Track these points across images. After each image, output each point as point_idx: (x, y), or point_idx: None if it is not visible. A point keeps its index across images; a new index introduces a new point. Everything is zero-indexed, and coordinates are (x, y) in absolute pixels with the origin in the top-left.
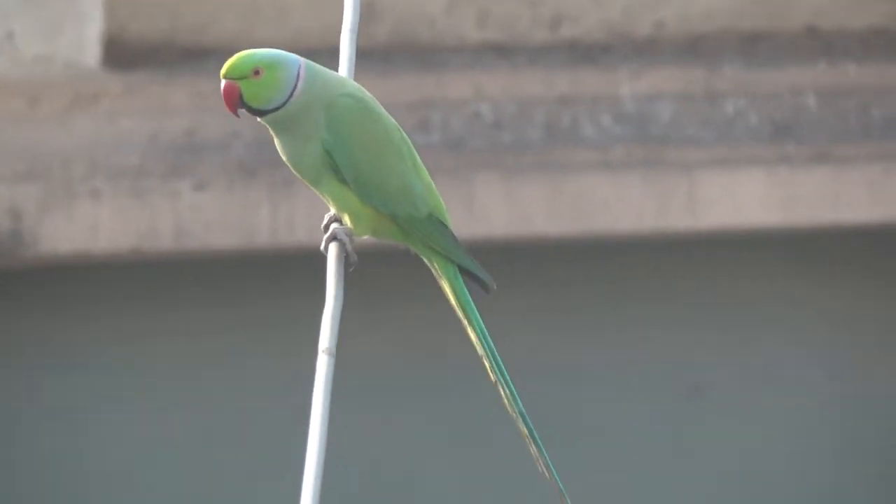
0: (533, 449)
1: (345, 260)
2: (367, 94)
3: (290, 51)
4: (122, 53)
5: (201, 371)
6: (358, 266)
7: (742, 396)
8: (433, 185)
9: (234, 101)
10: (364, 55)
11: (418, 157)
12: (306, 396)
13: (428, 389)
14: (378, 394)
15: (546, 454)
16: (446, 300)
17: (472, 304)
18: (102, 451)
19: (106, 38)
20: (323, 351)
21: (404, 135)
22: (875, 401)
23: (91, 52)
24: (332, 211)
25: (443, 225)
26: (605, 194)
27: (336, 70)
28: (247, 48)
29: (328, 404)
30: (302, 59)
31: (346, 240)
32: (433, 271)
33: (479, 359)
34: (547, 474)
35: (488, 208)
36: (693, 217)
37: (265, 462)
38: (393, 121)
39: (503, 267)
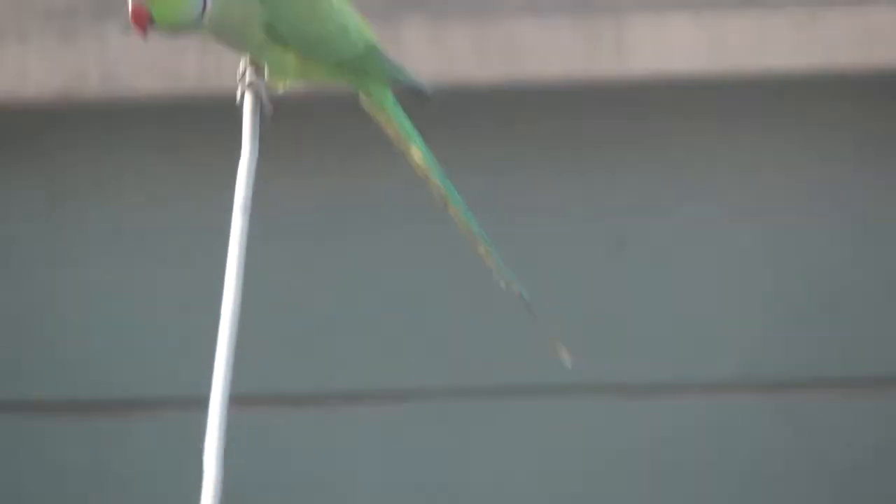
0: (494, 266)
1: (260, 111)
2: None
3: None
4: None
5: (128, 218)
6: (274, 116)
7: (667, 249)
8: (354, 11)
9: (144, 22)
10: None
11: None
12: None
13: (357, 230)
14: (305, 241)
15: (504, 267)
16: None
17: (411, 123)
18: (31, 302)
19: None
20: (238, 206)
21: None
22: (801, 248)
23: None
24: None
25: (376, 49)
26: (533, 39)
27: None
28: None
29: (243, 259)
30: None
31: (262, 91)
32: (365, 101)
33: (422, 183)
34: (512, 289)
35: (415, 52)
36: (621, 62)
37: (185, 318)
38: None
39: (430, 112)
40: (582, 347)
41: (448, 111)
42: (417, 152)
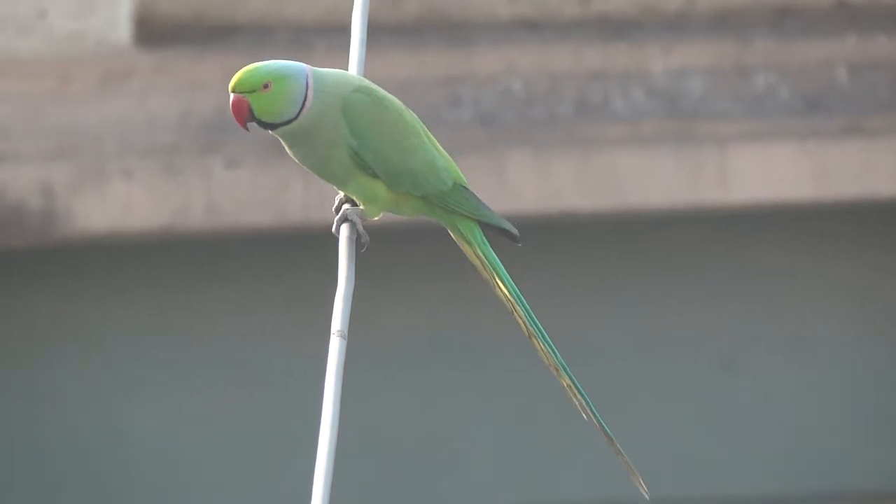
0: (576, 399)
1: (357, 241)
2: (370, 83)
3: (320, 28)
4: (152, 31)
5: (231, 348)
6: (371, 246)
7: (772, 369)
8: (444, 152)
9: (244, 115)
10: (394, 31)
11: (426, 129)
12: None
13: (450, 363)
14: (401, 370)
15: (589, 400)
16: (462, 274)
17: (497, 259)
18: (132, 426)
19: (137, 15)
20: (335, 333)
21: (411, 112)
22: None
23: (122, 29)
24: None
25: (465, 188)
26: (636, 169)
27: (348, 48)
28: (276, 24)
29: (340, 385)
30: (308, 68)
31: (357, 220)
32: (455, 236)
33: (507, 318)
34: (593, 422)
35: (519, 184)
36: (724, 191)
37: (282, 441)
38: (398, 101)
39: (535, 242)
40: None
41: (552, 241)
42: (503, 287)
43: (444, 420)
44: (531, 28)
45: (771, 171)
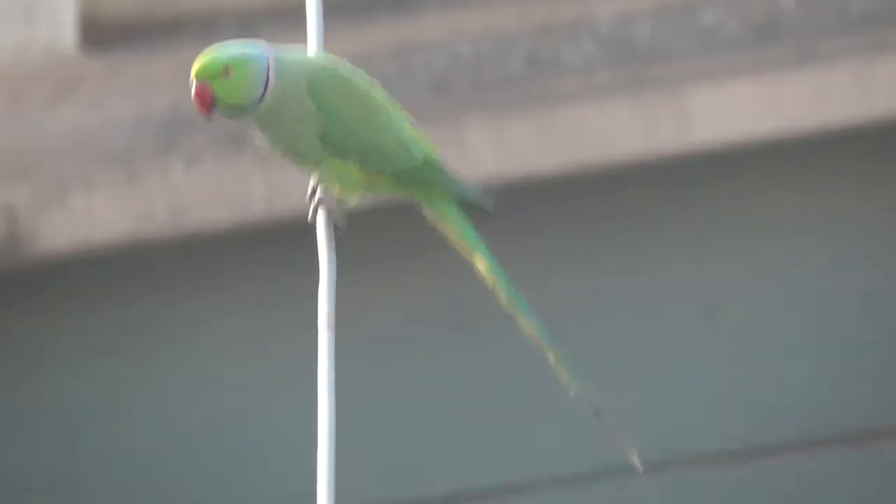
0: (563, 373)
1: (333, 226)
2: (336, 60)
3: (268, 12)
4: (98, 35)
5: (213, 352)
6: (348, 231)
7: (755, 312)
8: (413, 127)
9: (208, 102)
10: (338, 7)
11: (396, 105)
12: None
13: (441, 342)
14: (392, 354)
15: (578, 375)
16: (440, 251)
17: (476, 235)
18: (120, 439)
19: (81, 20)
20: (322, 323)
21: (380, 87)
22: (884, 294)
23: (67, 36)
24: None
25: (437, 164)
26: (594, 121)
27: (301, 27)
28: (224, 13)
29: (333, 377)
30: (269, 48)
31: (333, 206)
32: (429, 214)
33: (490, 292)
34: (582, 398)
35: (479, 149)
36: (684, 134)
37: (279, 442)
38: (366, 77)
39: (499, 207)
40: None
41: (516, 203)
42: (483, 263)
43: (435, 398)
44: None
45: (729, 109)
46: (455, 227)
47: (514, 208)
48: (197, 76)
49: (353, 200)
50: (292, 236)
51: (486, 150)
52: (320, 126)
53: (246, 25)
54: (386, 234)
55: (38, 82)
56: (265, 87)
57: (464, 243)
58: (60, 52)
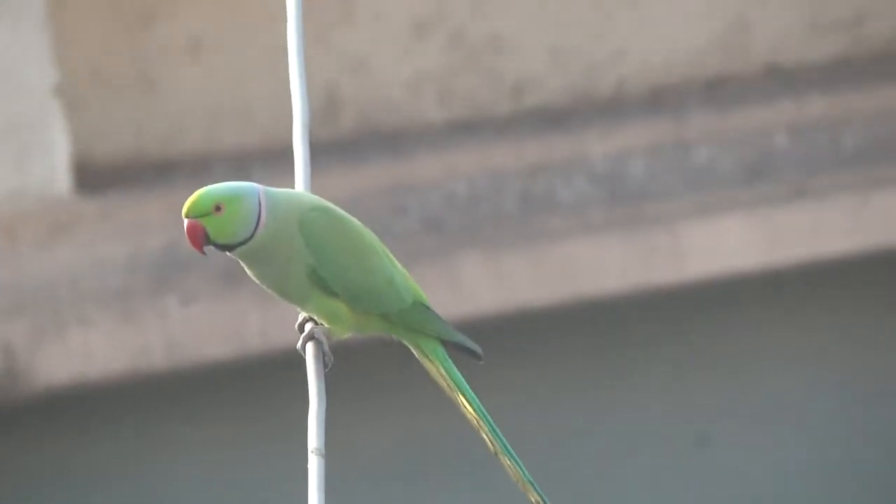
0: None
1: (322, 359)
2: (326, 202)
3: (258, 153)
4: (92, 178)
5: (209, 483)
6: (335, 364)
7: (747, 440)
8: (404, 270)
9: (200, 239)
10: (331, 147)
11: (384, 247)
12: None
13: (429, 475)
14: (383, 484)
15: None
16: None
17: (461, 377)
18: None
19: (74, 164)
20: (312, 451)
21: (368, 230)
22: (873, 424)
23: (61, 180)
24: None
25: (425, 306)
26: (588, 257)
27: (292, 168)
28: (214, 156)
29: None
30: (260, 187)
31: (322, 339)
32: (417, 354)
33: (476, 433)
34: None
35: (473, 286)
36: (678, 269)
37: None
38: (356, 220)
39: (494, 341)
40: None
41: (512, 338)
42: (468, 405)
43: None
44: (468, 129)
45: (722, 244)
46: (440, 368)
47: (510, 343)
48: (188, 214)
49: (342, 336)
50: (286, 369)
51: (481, 286)
52: (310, 264)
53: (237, 165)
54: (379, 368)
55: (34, 224)
56: (256, 224)
57: (449, 384)
58: (55, 195)
